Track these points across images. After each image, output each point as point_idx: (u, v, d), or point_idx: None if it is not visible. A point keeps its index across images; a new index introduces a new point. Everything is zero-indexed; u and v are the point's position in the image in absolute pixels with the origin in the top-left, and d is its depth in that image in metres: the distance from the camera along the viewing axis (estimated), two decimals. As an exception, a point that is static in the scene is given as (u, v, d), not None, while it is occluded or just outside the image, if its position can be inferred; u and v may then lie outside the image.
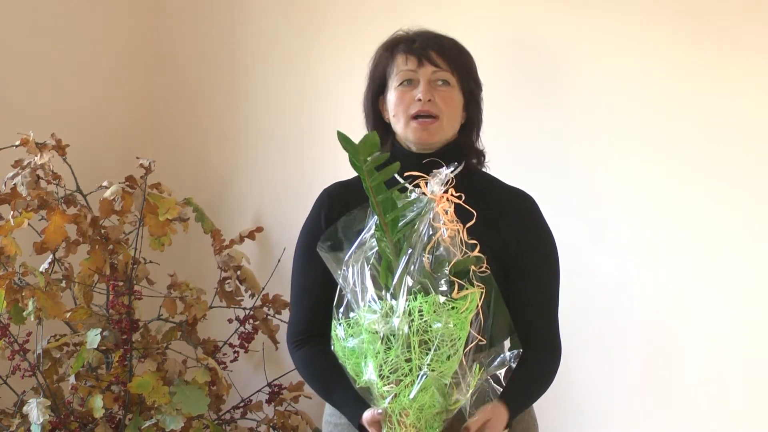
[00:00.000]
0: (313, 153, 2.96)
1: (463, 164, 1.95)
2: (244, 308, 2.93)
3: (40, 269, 2.70)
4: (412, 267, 1.69)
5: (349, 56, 2.86)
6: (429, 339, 1.67)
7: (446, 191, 1.73)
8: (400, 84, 1.95)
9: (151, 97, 3.34)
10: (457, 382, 1.72)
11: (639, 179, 2.37)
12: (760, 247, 2.21)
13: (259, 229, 3.00)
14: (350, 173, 1.87)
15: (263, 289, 2.94)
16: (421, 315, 1.67)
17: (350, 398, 1.81)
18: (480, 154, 2.04)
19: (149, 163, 2.81)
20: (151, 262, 2.89)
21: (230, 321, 2.95)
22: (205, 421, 2.76)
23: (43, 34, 3.09)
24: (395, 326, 1.68)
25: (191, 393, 2.64)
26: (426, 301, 1.67)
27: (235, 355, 2.94)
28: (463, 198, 1.84)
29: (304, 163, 2.96)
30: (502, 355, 1.77)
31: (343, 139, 1.68)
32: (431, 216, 1.71)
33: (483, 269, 1.73)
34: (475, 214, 1.77)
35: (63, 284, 2.73)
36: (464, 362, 1.72)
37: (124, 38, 3.29)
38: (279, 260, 2.92)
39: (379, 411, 1.73)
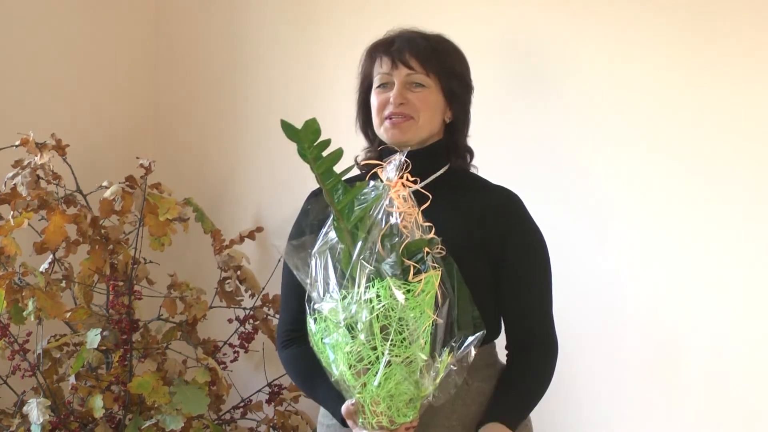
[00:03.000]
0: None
1: (448, 164, 1.98)
2: (244, 308, 2.93)
3: (40, 269, 2.70)
4: (368, 253, 1.69)
5: (350, 56, 2.84)
6: (389, 324, 1.66)
7: (401, 177, 1.73)
8: (378, 87, 1.98)
9: (151, 97, 3.34)
10: (427, 368, 1.71)
11: (638, 179, 2.37)
12: (759, 246, 2.21)
13: (259, 229, 3.00)
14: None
15: (263, 289, 2.94)
16: (380, 300, 1.66)
17: (332, 394, 1.82)
18: (467, 154, 2.03)
19: (149, 163, 2.81)
20: (151, 262, 2.89)
21: (230, 321, 2.95)
22: (205, 421, 2.76)
23: (44, 34, 3.09)
24: (354, 313, 1.67)
25: (191, 393, 2.64)
26: (382, 286, 1.66)
27: (235, 355, 2.94)
28: (450, 193, 1.92)
29: (304, 163, 2.96)
30: (466, 339, 1.74)
31: (286, 128, 1.69)
32: (386, 202, 1.71)
33: (438, 251, 1.72)
34: (430, 196, 1.78)
35: (63, 284, 2.73)
36: (435, 347, 1.71)
37: (125, 38, 3.29)
38: (279, 260, 2.91)
39: (353, 402, 1.75)
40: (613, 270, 2.42)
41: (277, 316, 2.90)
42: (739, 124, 2.22)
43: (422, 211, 1.85)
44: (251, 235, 2.98)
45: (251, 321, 2.91)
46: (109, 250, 2.77)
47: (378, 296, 1.66)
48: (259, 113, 3.12)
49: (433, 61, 1.94)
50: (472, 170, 2.05)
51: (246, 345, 2.92)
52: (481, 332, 1.73)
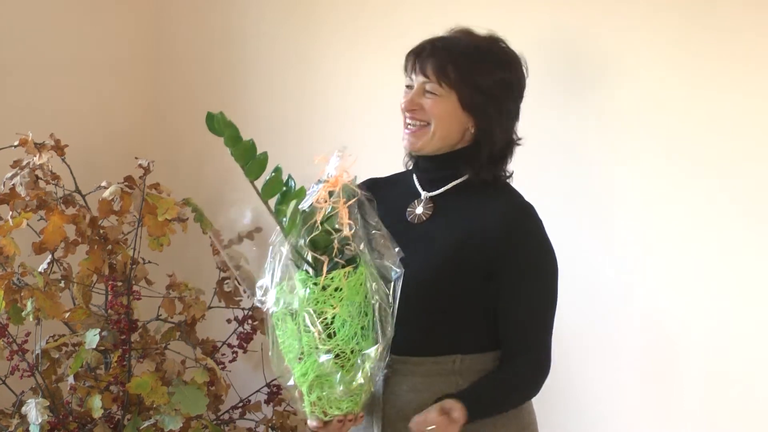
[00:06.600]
0: (314, 153, 2.95)
1: (467, 175, 1.94)
2: (243, 308, 2.93)
3: (39, 269, 2.69)
4: (288, 246, 1.76)
5: (350, 55, 2.85)
6: (313, 315, 1.73)
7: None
8: (406, 87, 1.96)
9: (150, 97, 3.34)
10: (354, 365, 1.74)
11: (639, 179, 2.37)
12: (760, 248, 2.21)
13: (258, 230, 2.99)
14: (354, 174, 1.86)
15: (262, 289, 2.93)
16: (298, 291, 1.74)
17: None
18: (496, 166, 1.96)
19: (148, 164, 2.80)
20: (149, 262, 2.89)
21: (229, 321, 2.95)
22: (203, 421, 2.76)
23: (43, 34, 3.09)
24: (272, 303, 1.76)
25: (190, 393, 2.64)
26: (299, 279, 1.74)
27: (234, 355, 2.94)
28: (462, 203, 1.91)
29: (304, 164, 2.95)
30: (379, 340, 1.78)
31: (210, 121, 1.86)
32: (312, 198, 1.77)
33: (348, 250, 1.74)
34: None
35: (62, 284, 2.73)
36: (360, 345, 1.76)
37: (124, 38, 3.29)
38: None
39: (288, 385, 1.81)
40: (615, 270, 2.42)
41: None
42: (743, 126, 2.22)
43: (431, 217, 1.90)
44: (250, 236, 2.98)
45: (250, 321, 2.91)
46: (108, 251, 2.76)
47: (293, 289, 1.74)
48: (259, 113, 3.12)
49: (452, 74, 1.89)
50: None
51: (245, 345, 2.92)
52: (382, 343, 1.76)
